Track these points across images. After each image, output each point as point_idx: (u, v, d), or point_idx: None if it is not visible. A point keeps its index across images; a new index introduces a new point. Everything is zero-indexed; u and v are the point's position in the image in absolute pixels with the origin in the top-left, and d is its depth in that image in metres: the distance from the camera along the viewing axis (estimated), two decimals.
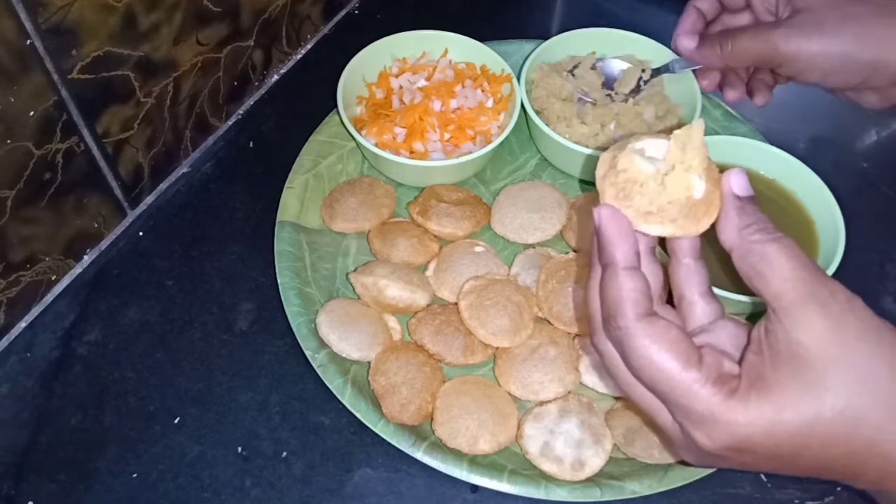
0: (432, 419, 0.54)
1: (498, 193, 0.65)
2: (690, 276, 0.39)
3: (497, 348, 0.57)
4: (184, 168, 0.67)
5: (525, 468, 0.52)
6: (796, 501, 0.53)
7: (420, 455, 0.51)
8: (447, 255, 0.61)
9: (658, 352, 0.33)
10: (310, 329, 0.56)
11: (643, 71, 0.68)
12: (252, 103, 0.72)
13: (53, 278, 0.59)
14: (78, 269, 0.60)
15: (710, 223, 0.36)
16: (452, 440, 0.52)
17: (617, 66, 0.69)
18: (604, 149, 0.63)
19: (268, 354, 0.58)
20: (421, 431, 0.53)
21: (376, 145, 0.63)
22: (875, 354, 0.32)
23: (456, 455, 0.52)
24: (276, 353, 0.58)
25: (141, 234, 0.63)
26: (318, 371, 0.54)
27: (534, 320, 0.57)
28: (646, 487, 0.51)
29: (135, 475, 0.52)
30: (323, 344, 0.55)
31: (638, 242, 0.36)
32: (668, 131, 0.63)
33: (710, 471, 0.52)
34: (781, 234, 0.34)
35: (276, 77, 0.74)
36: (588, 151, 0.62)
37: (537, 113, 0.65)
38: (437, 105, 0.65)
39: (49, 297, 0.59)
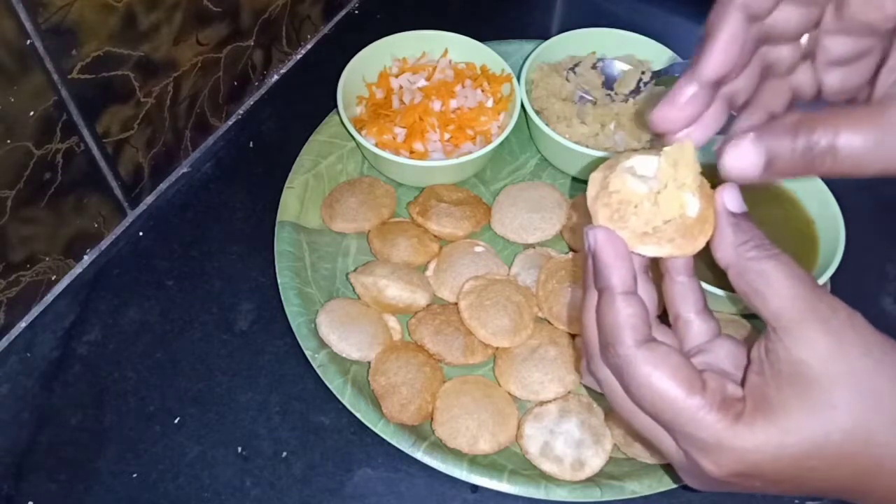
0: (432, 419, 0.54)
1: (498, 193, 0.65)
2: (686, 295, 0.38)
3: (497, 348, 0.57)
4: (184, 168, 0.67)
5: (525, 468, 0.52)
6: (796, 501, 0.53)
7: (420, 455, 0.51)
8: (447, 255, 0.61)
9: (660, 379, 0.33)
10: (310, 329, 0.56)
11: (643, 73, 0.68)
12: (252, 103, 0.72)
13: (53, 278, 0.59)
14: (78, 269, 0.60)
15: (705, 241, 0.35)
16: (452, 440, 0.52)
17: (618, 66, 0.69)
18: (604, 149, 0.64)
19: (268, 354, 0.58)
20: (421, 431, 0.53)
21: (376, 145, 0.63)
22: (879, 370, 0.31)
23: (456, 455, 0.52)
24: (276, 353, 0.58)
25: (141, 234, 0.63)
26: (318, 371, 0.54)
27: (534, 320, 0.57)
28: (646, 487, 0.51)
29: (135, 475, 0.52)
30: (323, 344, 0.55)
31: (633, 264, 0.36)
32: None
33: None
34: (778, 250, 0.33)
35: (276, 77, 0.74)
36: (588, 151, 0.62)
37: (537, 113, 0.65)
38: (437, 105, 0.65)
39: (49, 297, 0.59)
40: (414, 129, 0.64)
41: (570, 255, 0.61)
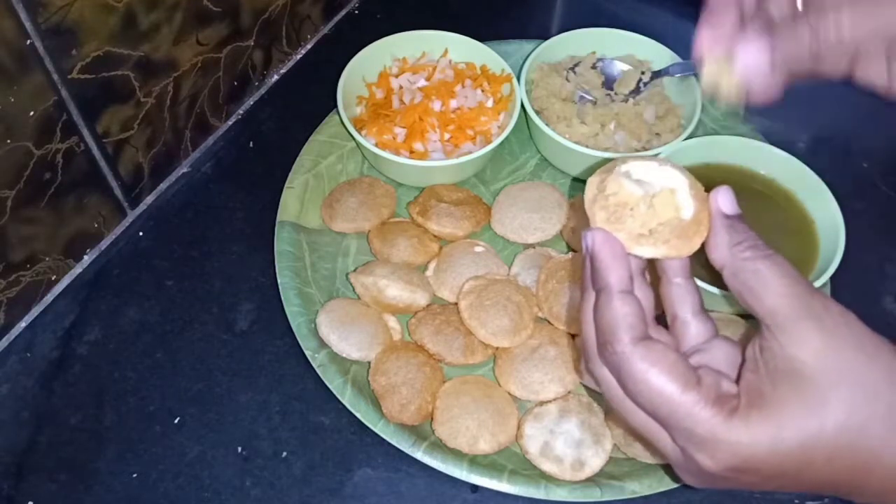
0: (432, 419, 0.54)
1: (498, 193, 0.65)
2: (683, 296, 0.38)
3: (497, 348, 0.57)
4: (184, 168, 0.67)
5: (525, 468, 0.52)
6: (796, 501, 0.53)
7: (420, 455, 0.51)
8: (447, 255, 0.61)
9: (657, 375, 0.33)
10: (310, 329, 0.56)
11: (643, 73, 0.68)
12: (252, 103, 0.72)
13: (53, 278, 0.59)
14: (78, 269, 0.60)
15: (700, 242, 0.36)
16: (452, 440, 0.52)
17: (617, 66, 0.69)
18: (604, 149, 0.64)
19: (268, 354, 0.58)
20: (421, 431, 0.53)
21: (376, 145, 0.63)
22: (872, 366, 0.32)
23: (456, 455, 0.52)
24: (276, 353, 0.58)
25: (141, 234, 0.63)
26: (318, 371, 0.54)
27: (534, 320, 0.57)
28: (646, 487, 0.51)
29: (135, 475, 0.52)
30: (323, 344, 0.55)
31: (630, 265, 0.36)
32: (668, 130, 0.63)
33: None
34: (772, 251, 0.34)
35: (276, 77, 0.74)
36: (588, 151, 0.62)
37: (537, 113, 0.65)
38: (437, 105, 0.65)
39: (49, 297, 0.59)
40: (414, 129, 0.64)
41: (570, 255, 0.61)
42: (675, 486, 0.51)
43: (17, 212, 0.52)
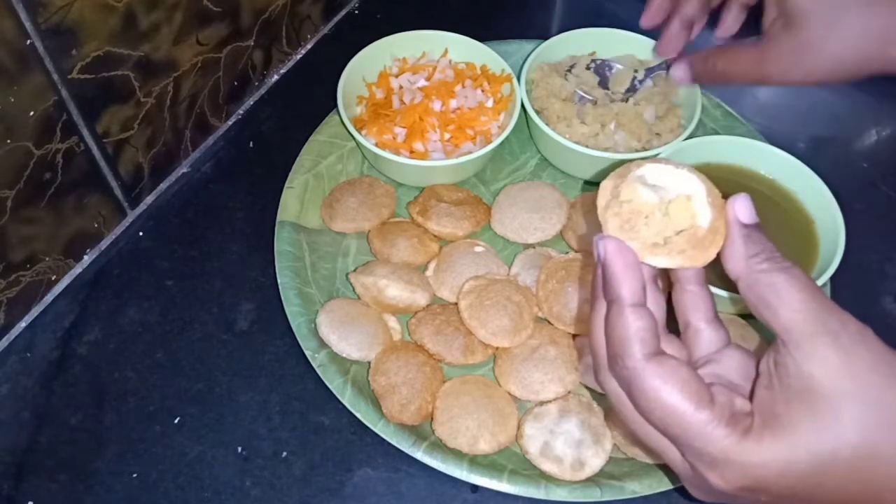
0: (432, 419, 0.54)
1: (498, 193, 0.65)
2: (696, 304, 0.38)
3: (497, 348, 0.57)
4: (184, 168, 0.67)
5: (525, 468, 0.52)
6: None
7: (420, 455, 0.51)
8: (447, 255, 0.61)
9: (669, 393, 0.33)
10: (310, 329, 0.56)
11: (636, 71, 0.68)
12: (252, 103, 0.72)
13: (53, 278, 0.59)
14: (78, 269, 0.60)
15: (716, 252, 0.35)
16: (452, 440, 0.52)
17: (613, 66, 0.69)
18: (604, 149, 0.64)
19: (268, 354, 0.58)
20: (421, 431, 0.53)
21: (376, 145, 0.63)
22: (888, 387, 0.31)
23: (456, 455, 0.52)
24: (276, 353, 0.58)
25: (141, 234, 0.63)
26: (318, 371, 0.54)
27: (534, 320, 0.57)
28: (646, 487, 0.51)
29: (135, 475, 0.52)
30: (323, 344, 0.55)
31: (643, 275, 0.35)
32: (668, 130, 0.62)
33: None
34: (790, 263, 0.33)
35: (276, 77, 0.74)
36: (588, 151, 0.62)
37: (537, 113, 0.65)
38: (437, 105, 0.65)
39: (49, 297, 0.59)
40: (414, 129, 0.64)
41: (571, 254, 0.61)
42: (676, 486, 0.51)
43: (17, 212, 0.52)
